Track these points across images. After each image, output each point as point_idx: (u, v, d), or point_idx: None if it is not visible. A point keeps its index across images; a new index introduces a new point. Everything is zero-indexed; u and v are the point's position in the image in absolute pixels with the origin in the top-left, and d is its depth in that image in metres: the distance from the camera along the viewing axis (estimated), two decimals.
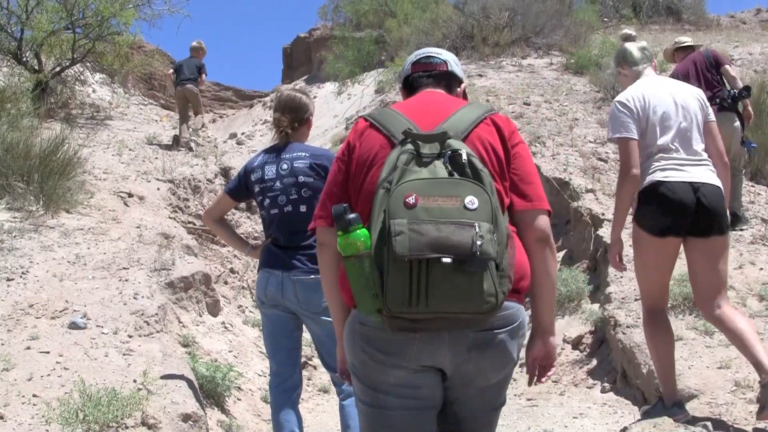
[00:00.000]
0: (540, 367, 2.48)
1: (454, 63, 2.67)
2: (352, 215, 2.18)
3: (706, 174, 3.88)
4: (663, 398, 4.02)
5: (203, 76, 11.88)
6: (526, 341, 2.41)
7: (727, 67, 7.27)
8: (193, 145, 11.16)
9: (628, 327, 5.42)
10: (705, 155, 3.96)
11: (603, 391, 5.34)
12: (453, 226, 2.05)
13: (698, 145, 3.94)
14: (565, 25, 17.15)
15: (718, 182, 3.90)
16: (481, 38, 16.30)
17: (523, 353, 2.41)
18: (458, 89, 2.65)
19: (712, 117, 4.09)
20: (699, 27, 19.09)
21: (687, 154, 3.90)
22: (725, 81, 7.21)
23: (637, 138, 3.89)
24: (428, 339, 2.18)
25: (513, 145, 2.42)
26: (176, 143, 11.17)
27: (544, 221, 2.35)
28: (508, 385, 2.44)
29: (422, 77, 2.62)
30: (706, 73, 7.16)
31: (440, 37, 17.08)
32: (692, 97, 4.05)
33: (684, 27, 19.80)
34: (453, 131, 2.28)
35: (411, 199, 2.08)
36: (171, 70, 12.09)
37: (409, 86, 2.66)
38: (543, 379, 2.51)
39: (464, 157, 2.16)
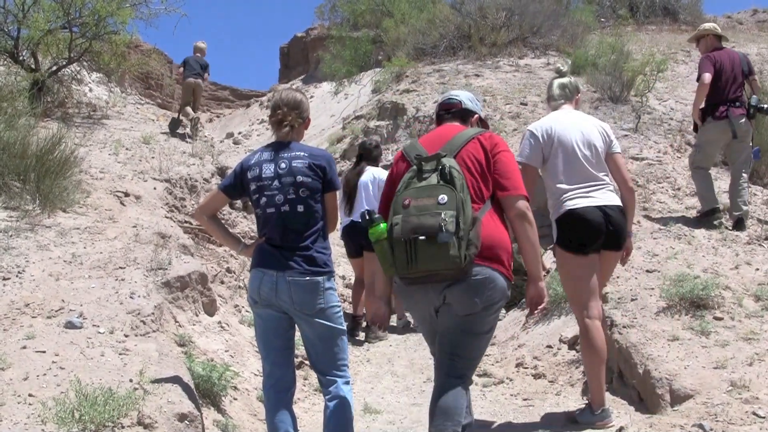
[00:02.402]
0: (533, 303, 3.67)
1: (467, 100, 3.95)
2: (375, 215, 3.53)
3: (608, 196, 4.52)
4: (591, 405, 4.54)
5: (207, 75, 13.24)
6: (494, 295, 3.46)
7: (756, 77, 7.75)
8: (188, 137, 12.05)
9: (624, 327, 5.42)
10: (606, 179, 4.58)
11: None
12: (428, 215, 3.28)
13: (600, 171, 4.55)
14: (562, 26, 17.16)
15: (619, 202, 4.55)
16: (478, 38, 16.31)
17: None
18: (472, 119, 3.90)
19: (617, 149, 4.68)
20: (695, 28, 19.10)
21: (591, 180, 4.50)
22: (751, 88, 7.64)
23: (534, 165, 4.57)
24: (424, 288, 3.46)
25: (494, 154, 3.58)
26: (175, 126, 12.29)
27: (519, 203, 3.52)
28: (477, 323, 3.51)
29: (444, 114, 3.93)
30: (740, 76, 7.41)
31: (437, 37, 17.10)
32: (596, 129, 4.64)
33: (681, 27, 19.83)
34: (448, 151, 3.53)
35: (407, 202, 3.38)
36: (180, 66, 13.56)
37: (438, 120, 3.96)
38: (536, 312, 3.82)
39: (447, 169, 3.39)
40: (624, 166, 4.71)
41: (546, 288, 3.70)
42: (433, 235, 3.23)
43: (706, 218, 7.36)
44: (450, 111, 3.91)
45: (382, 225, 3.45)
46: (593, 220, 4.40)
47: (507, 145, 3.69)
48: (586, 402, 4.68)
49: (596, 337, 4.44)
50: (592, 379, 4.52)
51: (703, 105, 7.58)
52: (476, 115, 3.93)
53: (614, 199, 4.55)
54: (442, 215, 3.24)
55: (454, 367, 3.52)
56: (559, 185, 4.53)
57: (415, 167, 3.48)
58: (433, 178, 3.39)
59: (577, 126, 4.62)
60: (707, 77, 7.39)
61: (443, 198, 3.30)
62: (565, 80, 4.97)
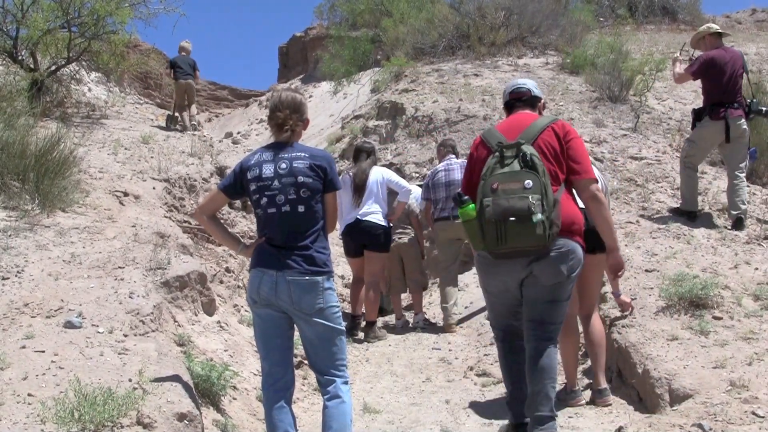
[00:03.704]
0: (613, 271, 4.27)
1: (533, 88, 4.37)
2: (465, 197, 3.92)
3: None
4: (566, 386, 5.16)
5: (197, 72, 13.66)
6: (575, 263, 3.95)
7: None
8: (191, 127, 12.95)
9: (623, 327, 5.43)
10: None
11: None
12: (516, 199, 3.73)
13: None
14: (561, 25, 17.14)
15: None
16: (477, 38, 16.28)
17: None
18: (539, 105, 4.36)
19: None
20: (695, 27, 19.10)
21: None
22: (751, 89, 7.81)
23: None
24: (510, 262, 3.92)
25: (566, 141, 3.99)
26: (172, 122, 12.97)
27: (591, 186, 3.97)
28: (561, 291, 3.97)
29: (516, 102, 4.34)
30: (740, 76, 7.43)
31: (436, 36, 17.08)
32: (603, 177, 5.25)
33: (680, 27, 19.84)
34: (525, 138, 3.94)
35: (495, 185, 3.80)
36: (168, 68, 13.96)
37: (509, 108, 4.38)
38: (618, 277, 4.55)
39: (528, 156, 3.81)
40: None
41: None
42: (522, 217, 3.69)
43: (683, 216, 7.48)
44: (521, 99, 4.33)
45: (471, 206, 3.89)
46: None
47: (577, 132, 4.10)
48: (563, 383, 5.22)
49: (566, 328, 4.85)
50: (565, 364, 5.11)
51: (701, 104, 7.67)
52: (542, 101, 4.42)
53: None
54: (530, 198, 3.70)
55: (545, 332, 3.99)
56: None
57: (497, 153, 3.90)
58: (515, 164, 3.82)
59: None
60: (684, 77, 7.72)
61: (529, 183, 3.74)
62: None
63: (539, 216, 3.70)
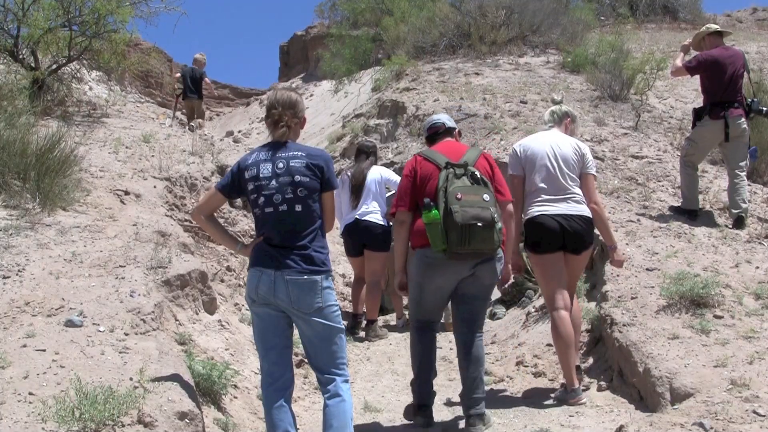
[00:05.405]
0: (504, 281, 4.99)
1: (447, 121, 5.11)
2: (432, 203, 4.42)
3: (571, 206, 5.20)
4: (565, 386, 5.22)
5: (205, 81, 14.14)
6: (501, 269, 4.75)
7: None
8: (193, 126, 13.48)
9: (624, 325, 5.42)
10: (575, 192, 5.24)
11: (599, 389, 5.34)
12: (480, 209, 4.37)
13: (568, 183, 5.25)
14: (562, 24, 17.15)
15: (582, 212, 5.20)
16: (478, 36, 16.29)
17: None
18: (455, 133, 5.11)
19: (591, 170, 5.37)
20: (696, 26, 19.09)
21: (560, 191, 5.22)
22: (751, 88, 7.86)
23: (519, 175, 5.36)
24: (460, 263, 4.52)
25: (492, 167, 4.79)
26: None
27: (509, 206, 4.83)
28: (491, 291, 4.95)
29: (436, 134, 5.07)
30: (740, 76, 7.40)
31: (437, 35, 17.08)
32: (571, 149, 5.36)
33: (680, 26, 19.83)
34: (468, 162, 4.62)
35: (459, 195, 4.39)
36: (178, 74, 14.40)
37: (431, 139, 5.09)
38: (505, 287, 5.46)
39: (478, 175, 4.55)
40: (592, 186, 5.38)
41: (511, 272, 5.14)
42: (488, 224, 4.35)
43: (683, 215, 7.47)
44: (438, 132, 5.06)
45: (435, 211, 4.40)
46: (546, 226, 5.15)
47: None
48: (562, 383, 5.33)
49: (561, 326, 5.12)
50: (563, 363, 5.19)
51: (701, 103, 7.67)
52: (457, 130, 5.16)
53: (577, 209, 5.20)
54: (491, 210, 4.40)
55: (477, 326, 4.78)
56: (530, 193, 5.31)
57: (452, 169, 4.54)
58: (466, 180, 4.50)
59: (553, 144, 5.36)
60: (680, 71, 7.67)
61: (486, 197, 4.45)
62: (555, 108, 5.76)
63: (499, 225, 4.42)
